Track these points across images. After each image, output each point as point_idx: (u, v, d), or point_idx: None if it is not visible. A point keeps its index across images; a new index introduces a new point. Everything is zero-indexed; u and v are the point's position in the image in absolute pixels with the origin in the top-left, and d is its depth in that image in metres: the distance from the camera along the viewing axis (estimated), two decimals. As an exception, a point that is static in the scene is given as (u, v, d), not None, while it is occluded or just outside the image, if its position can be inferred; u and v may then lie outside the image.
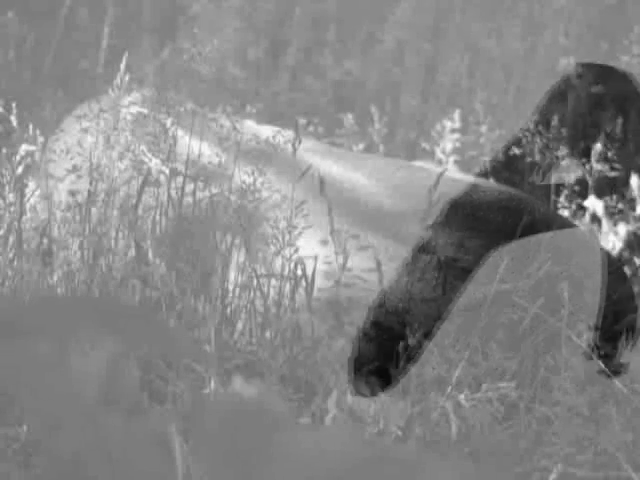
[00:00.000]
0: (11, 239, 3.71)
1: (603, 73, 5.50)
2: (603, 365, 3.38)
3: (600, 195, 5.07)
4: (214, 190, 3.83)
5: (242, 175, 3.78)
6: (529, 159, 5.05)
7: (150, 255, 3.72)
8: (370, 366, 3.40)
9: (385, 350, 3.44)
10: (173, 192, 3.82)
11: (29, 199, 3.84)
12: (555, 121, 4.95)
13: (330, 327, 3.55)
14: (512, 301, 3.59)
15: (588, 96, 5.38)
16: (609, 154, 4.98)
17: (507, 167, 5.34)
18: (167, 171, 3.83)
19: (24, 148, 3.80)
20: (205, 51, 3.92)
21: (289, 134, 3.74)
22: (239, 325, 3.61)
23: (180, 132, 3.88)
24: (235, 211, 3.73)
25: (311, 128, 6.31)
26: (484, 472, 2.88)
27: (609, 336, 3.54)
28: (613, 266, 3.79)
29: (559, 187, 5.05)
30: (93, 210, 3.78)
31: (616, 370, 3.41)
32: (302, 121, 5.98)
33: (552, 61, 6.63)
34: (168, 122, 3.84)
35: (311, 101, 6.68)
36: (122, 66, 3.84)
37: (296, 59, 6.76)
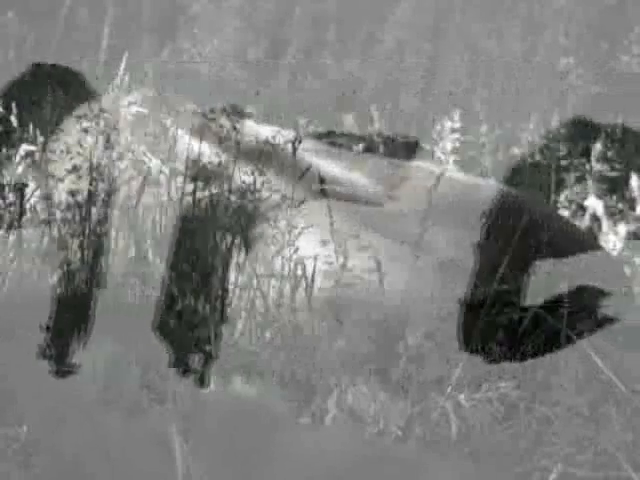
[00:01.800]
0: (11, 239, 3.71)
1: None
2: (54, 366, 3.28)
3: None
4: (214, 190, 3.83)
5: (242, 175, 3.78)
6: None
7: (150, 255, 3.71)
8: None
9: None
10: (173, 192, 3.82)
11: (29, 199, 3.84)
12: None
13: (330, 327, 3.54)
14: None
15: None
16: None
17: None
18: (167, 171, 3.83)
19: (24, 148, 3.80)
20: (205, 51, 3.92)
21: (289, 134, 3.74)
22: (239, 325, 3.61)
23: (180, 132, 3.88)
24: (235, 211, 3.73)
25: (311, 128, 6.31)
26: (484, 472, 2.88)
27: (60, 335, 3.44)
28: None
29: (559, 187, 5.06)
30: (93, 210, 3.78)
31: (67, 370, 3.30)
32: (302, 121, 5.98)
33: (552, 61, 6.63)
34: (168, 122, 3.84)
35: (311, 101, 6.67)
36: (122, 66, 3.84)
37: (296, 59, 6.76)
